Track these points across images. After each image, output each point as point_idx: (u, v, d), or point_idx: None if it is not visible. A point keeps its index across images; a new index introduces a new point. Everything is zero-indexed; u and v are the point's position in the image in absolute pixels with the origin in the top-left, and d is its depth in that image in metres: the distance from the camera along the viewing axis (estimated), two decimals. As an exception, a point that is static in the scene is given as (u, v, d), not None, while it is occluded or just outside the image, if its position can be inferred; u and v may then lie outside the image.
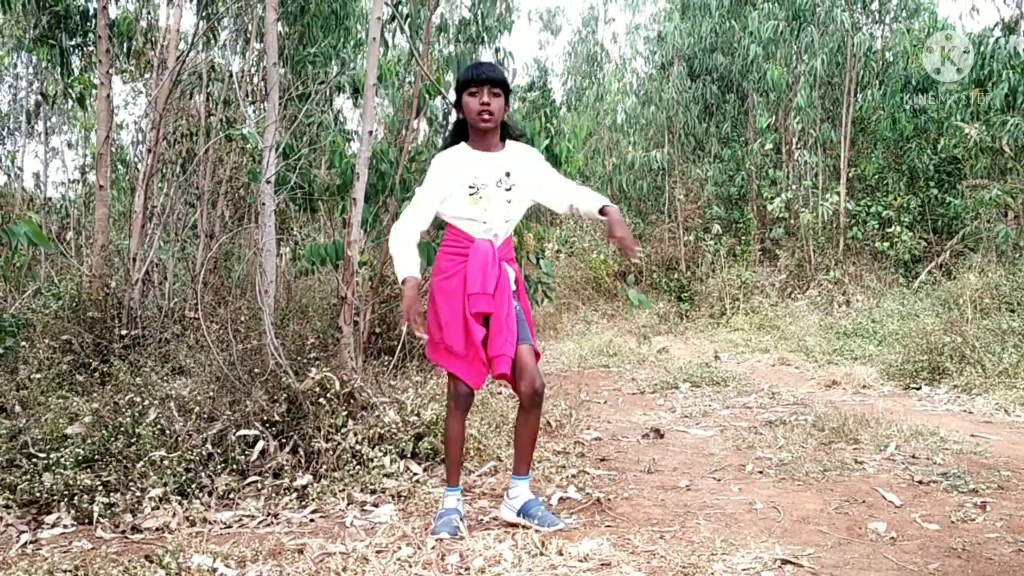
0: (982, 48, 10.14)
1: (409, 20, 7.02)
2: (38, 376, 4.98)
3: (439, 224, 3.41)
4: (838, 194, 12.43)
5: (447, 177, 3.08)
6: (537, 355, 3.19)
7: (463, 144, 3.15)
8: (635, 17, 23.54)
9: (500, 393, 5.62)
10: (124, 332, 5.83)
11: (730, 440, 4.71)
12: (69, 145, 16.27)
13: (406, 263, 2.98)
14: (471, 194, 3.07)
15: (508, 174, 3.12)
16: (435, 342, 3.11)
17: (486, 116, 3.04)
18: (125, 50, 7.43)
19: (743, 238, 13.82)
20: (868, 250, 12.16)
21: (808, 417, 5.12)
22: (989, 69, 10.03)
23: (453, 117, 3.34)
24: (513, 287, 3.16)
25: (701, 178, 14.93)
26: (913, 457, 4.15)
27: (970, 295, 7.70)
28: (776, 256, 13.08)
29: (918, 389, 6.39)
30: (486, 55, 9.61)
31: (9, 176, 12.10)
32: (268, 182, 4.41)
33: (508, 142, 3.20)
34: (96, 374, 5.23)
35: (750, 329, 10.58)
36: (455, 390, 3.12)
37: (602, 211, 3.04)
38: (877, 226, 12.21)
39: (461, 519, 3.05)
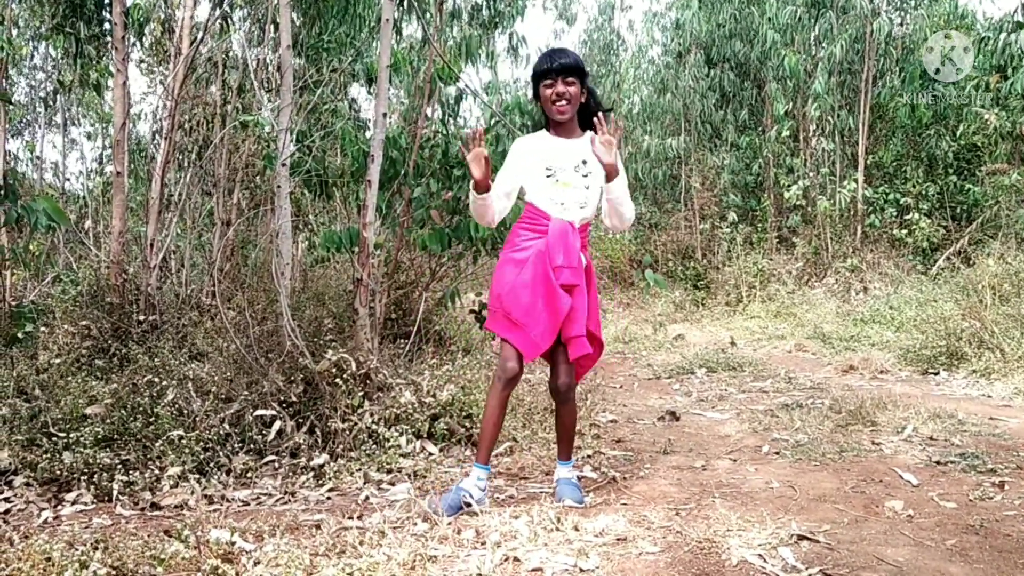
0: (1002, 34, 10.03)
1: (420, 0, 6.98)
2: (57, 361, 5.02)
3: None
4: (856, 181, 12.33)
5: (518, 159, 3.15)
6: (601, 345, 3.25)
7: (543, 131, 3.20)
8: (652, 4, 23.46)
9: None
10: (142, 317, 5.85)
11: (746, 423, 4.70)
12: (88, 136, 16.41)
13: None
14: (548, 176, 3.11)
15: (585, 162, 3.14)
16: (494, 310, 3.14)
17: (562, 107, 3.07)
18: (140, 37, 7.46)
19: (760, 226, 13.74)
20: (886, 238, 12.06)
21: (825, 401, 5.10)
22: (1008, 55, 9.92)
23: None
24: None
25: (717, 166, 14.86)
26: (931, 439, 4.12)
27: (989, 281, 7.61)
28: (793, 244, 13.00)
29: (936, 374, 6.34)
30: (500, 40, 9.61)
31: (28, 167, 12.21)
32: (284, 164, 4.42)
33: (587, 132, 3.21)
34: (115, 359, 5.25)
35: (766, 317, 10.52)
36: (503, 363, 3.08)
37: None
38: (895, 214, 12.12)
39: (472, 498, 2.99)
